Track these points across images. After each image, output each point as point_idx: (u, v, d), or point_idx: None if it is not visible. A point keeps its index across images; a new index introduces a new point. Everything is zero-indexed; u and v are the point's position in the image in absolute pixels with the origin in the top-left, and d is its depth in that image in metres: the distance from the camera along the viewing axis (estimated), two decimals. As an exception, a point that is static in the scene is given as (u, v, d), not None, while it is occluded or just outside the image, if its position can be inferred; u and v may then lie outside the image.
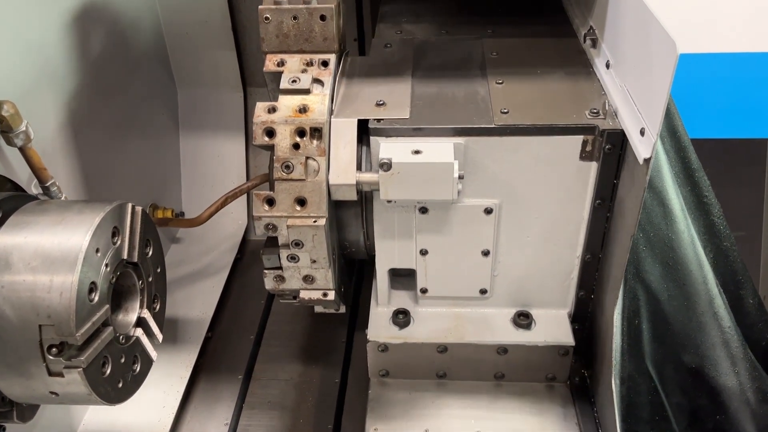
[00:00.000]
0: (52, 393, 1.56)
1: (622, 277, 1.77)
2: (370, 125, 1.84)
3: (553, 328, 2.11)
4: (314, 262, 1.88)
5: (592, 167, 1.85)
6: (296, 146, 1.81)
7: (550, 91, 1.93)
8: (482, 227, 1.97)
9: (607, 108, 1.83)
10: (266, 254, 1.91)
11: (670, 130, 2.08)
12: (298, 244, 1.83)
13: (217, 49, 3.03)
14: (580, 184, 1.89)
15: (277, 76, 1.95)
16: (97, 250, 1.54)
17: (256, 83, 3.16)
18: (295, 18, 1.94)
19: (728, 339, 1.93)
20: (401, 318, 2.13)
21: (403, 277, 2.20)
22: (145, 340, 1.77)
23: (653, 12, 1.52)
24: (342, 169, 1.82)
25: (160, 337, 1.84)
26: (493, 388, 2.17)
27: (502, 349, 2.09)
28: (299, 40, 1.97)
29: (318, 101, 1.85)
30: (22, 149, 1.80)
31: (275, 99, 1.89)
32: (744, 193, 3.29)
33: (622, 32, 1.79)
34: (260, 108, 1.85)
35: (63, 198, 1.92)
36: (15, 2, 1.86)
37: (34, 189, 1.89)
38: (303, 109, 1.82)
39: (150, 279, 1.81)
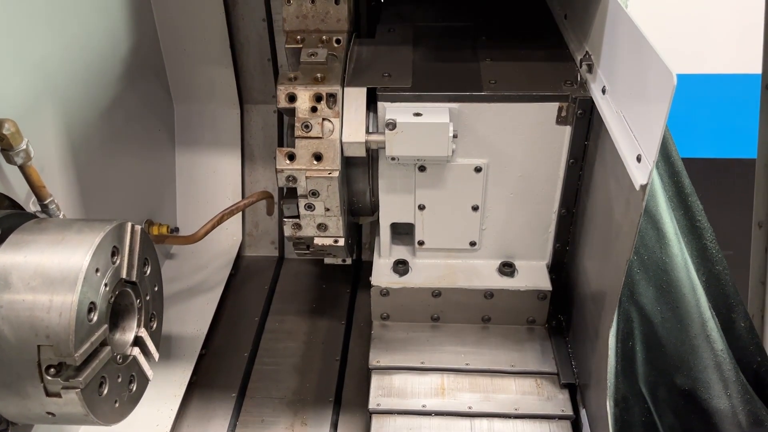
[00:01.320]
0: (48, 413, 1.55)
1: (617, 299, 1.83)
2: (378, 92, 2.11)
3: (533, 275, 2.40)
4: (328, 210, 2.14)
5: (567, 131, 2.12)
6: (314, 109, 2.07)
7: (532, 68, 2.22)
8: (472, 184, 2.24)
9: (579, 80, 2.11)
10: (286, 204, 2.18)
11: (664, 155, 2.12)
12: (314, 193, 2.09)
13: (215, 65, 3.03)
14: (556, 146, 2.16)
15: (297, 51, 2.26)
16: (97, 270, 1.53)
17: (252, 100, 3.16)
18: (312, 2, 2.27)
19: (720, 362, 1.94)
20: (401, 267, 2.41)
21: (401, 235, 2.48)
22: (142, 359, 1.76)
23: (649, 41, 1.56)
24: (353, 129, 2.08)
25: (156, 355, 1.83)
26: (480, 330, 2.44)
27: (489, 294, 2.37)
28: (316, 20, 2.29)
29: (333, 72, 2.13)
30: (21, 167, 1.79)
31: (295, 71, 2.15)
32: (732, 212, 3.33)
33: (618, 59, 1.86)
34: (283, 76, 2.11)
35: (61, 216, 1.91)
36: (16, 20, 1.87)
37: (32, 207, 1.89)
38: (320, 78, 2.09)
39: (148, 298, 1.81)
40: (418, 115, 2.04)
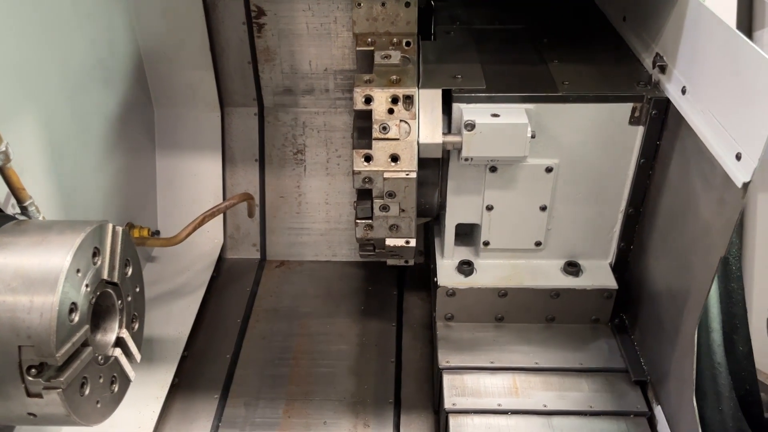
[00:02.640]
0: (30, 414, 1.53)
1: (704, 296, 1.82)
2: (454, 93, 2.09)
3: (599, 274, 2.37)
4: (403, 211, 2.13)
5: (639, 131, 2.12)
6: (390, 111, 2.06)
7: (600, 69, 2.22)
8: (542, 184, 2.23)
9: (651, 80, 2.10)
10: (360, 205, 2.15)
11: None
12: (391, 194, 2.08)
13: (195, 69, 3.00)
14: (627, 146, 2.15)
15: (368, 53, 2.27)
16: (78, 271, 1.52)
17: (233, 103, 3.14)
18: (383, 4, 2.31)
19: (716, 374, 1.94)
20: (466, 267, 2.38)
21: (461, 236, 2.45)
22: (123, 360, 1.75)
23: (749, 42, 1.57)
24: (430, 130, 2.08)
25: (138, 356, 1.82)
26: (544, 329, 2.42)
27: (555, 294, 2.34)
28: (386, 23, 2.33)
29: (407, 74, 2.15)
30: (1, 169, 1.78)
31: (363, 73, 2.17)
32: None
33: (702, 59, 1.85)
34: (359, 79, 2.11)
35: (41, 218, 1.91)
36: (-6, 23, 1.86)
37: (11, 209, 1.88)
38: (396, 80, 2.11)
39: (129, 299, 1.79)
40: (495, 116, 2.04)
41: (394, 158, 2.06)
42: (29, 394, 1.47)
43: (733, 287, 2.09)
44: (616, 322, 2.42)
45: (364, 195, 2.15)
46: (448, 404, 2.17)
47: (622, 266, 2.41)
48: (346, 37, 2.93)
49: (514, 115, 2.05)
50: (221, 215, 3.01)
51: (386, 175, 2.05)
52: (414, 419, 2.46)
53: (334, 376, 2.62)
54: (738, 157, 1.62)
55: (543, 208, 2.28)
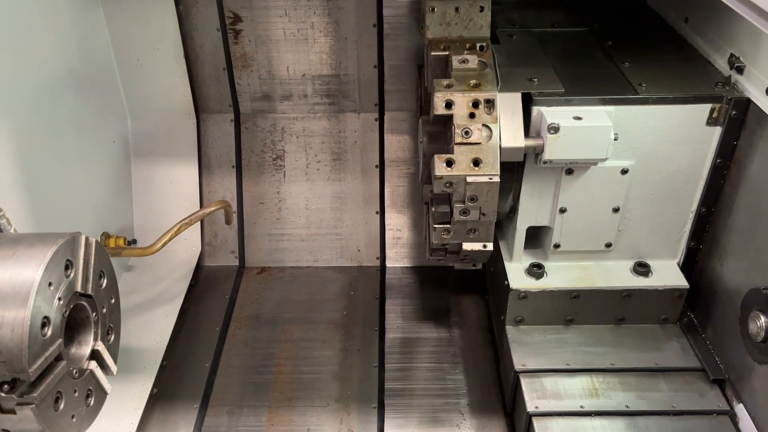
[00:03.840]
0: (3, 430, 1.51)
1: None
2: (534, 96, 2.09)
3: (668, 274, 2.36)
4: (483, 215, 2.12)
5: (716, 131, 2.13)
6: (471, 115, 2.05)
7: (674, 70, 2.22)
8: (617, 186, 2.22)
9: (731, 81, 2.11)
10: (438, 210, 2.15)
11: None
12: (473, 198, 2.07)
13: (169, 76, 2.97)
14: (703, 146, 2.16)
15: (441, 59, 2.26)
16: (50, 284, 1.50)
17: (208, 110, 3.11)
18: (457, 9, 2.29)
19: None
20: (536, 270, 2.38)
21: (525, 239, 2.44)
22: (99, 373, 1.72)
23: None
24: (512, 134, 2.08)
25: (114, 369, 1.79)
26: (615, 329, 2.41)
27: (627, 294, 2.33)
28: (459, 27, 2.31)
29: (486, 78, 2.13)
30: (-31, 181, 1.75)
31: (434, 79, 2.15)
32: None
33: None
34: (438, 84, 2.09)
35: (12, 230, 1.87)
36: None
37: (-18, 222, 1.85)
38: (476, 85, 2.10)
39: (104, 310, 1.77)
40: (578, 118, 2.04)
41: (476, 162, 2.06)
42: (2, 410, 1.45)
43: None
44: (685, 321, 2.42)
45: (441, 199, 2.15)
46: (530, 407, 2.16)
47: (690, 265, 2.42)
48: (324, 42, 2.92)
49: (597, 117, 2.07)
50: (199, 223, 2.98)
51: (469, 179, 2.05)
52: (483, 424, 2.46)
53: (318, 382, 2.60)
54: None
55: (616, 210, 2.29)
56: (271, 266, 3.17)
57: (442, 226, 2.17)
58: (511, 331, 2.42)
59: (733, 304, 2.19)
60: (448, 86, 2.11)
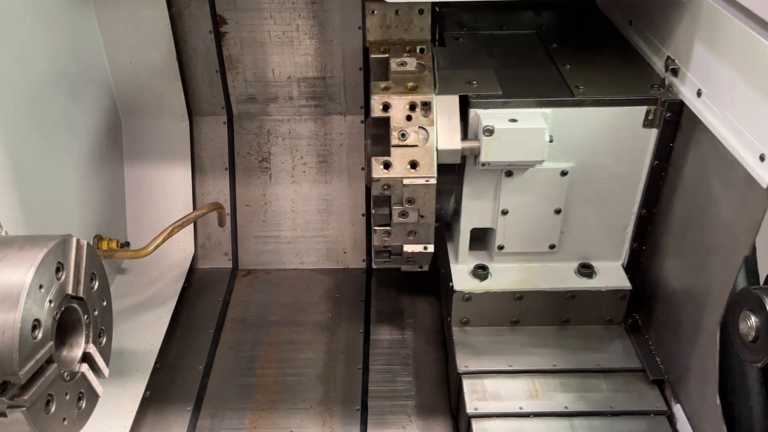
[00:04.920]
0: (-7, 434, 1.51)
1: (726, 295, 1.83)
2: (471, 99, 2.11)
3: (612, 276, 2.39)
4: (422, 217, 2.14)
5: (652, 133, 2.15)
6: (408, 118, 2.07)
7: (612, 73, 2.24)
8: (557, 188, 2.25)
9: (665, 83, 2.12)
10: (378, 212, 2.15)
11: None
12: (410, 201, 2.09)
13: (162, 78, 2.97)
14: (640, 148, 2.18)
15: (382, 61, 2.26)
16: (41, 287, 1.49)
17: (201, 112, 3.12)
18: (397, 12, 2.30)
19: (746, 371, 1.98)
20: (481, 272, 2.39)
21: (472, 240, 2.45)
22: (90, 375, 1.72)
23: (766, 42, 1.59)
24: (449, 136, 2.09)
25: (106, 371, 1.79)
26: (560, 331, 2.43)
27: (570, 295, 2.35)
28: (400, 30, 2.33)
29: (424, 80, 2.15)
30: (-40, 184, 1.75)
31: (378, 80, 2.18)
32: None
33: (719, 62, 1.86)
34: (376, 86, 2.11)
35: (3, 232, 1.87)
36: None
37: (-28, 225, 1.84)
38: (414, 87, 2.12)
39: (96, 313, 1.76)
40: (513, 121, 2.06)
41: (413, 165, 2.07)
42: (-8, 414, 1.44)
43: (751, 282, 2.13)
44: (629, 322, 2.45)
45: (381, 202, 2.15)
46: (470, 409, 2.18)
47: (634, 267, 2.43)
48: (309, 44, 2.93)
49: (532, 119, 2.08)
50: (192, 225, 2.98)
51: (406, 181, 2.07)
52: (428, 425, 2.47)
53: (302, 385, 2.60)
54: (762, 158, 1.64)
55: (557, 211, 2.30)
56: (258, 269, 3.16)
57: (382, 228, 2.18)
58: (456, 332, 2.44)
59: (672, 304, 2.23)
60: (386, 89, 2.12)
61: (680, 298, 2.16)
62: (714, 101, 1.89)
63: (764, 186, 1.61)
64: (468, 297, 2.37)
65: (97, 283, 1.74)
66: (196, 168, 3.09)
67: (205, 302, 2.98)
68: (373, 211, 2.18)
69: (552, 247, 2.39)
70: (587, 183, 2.25)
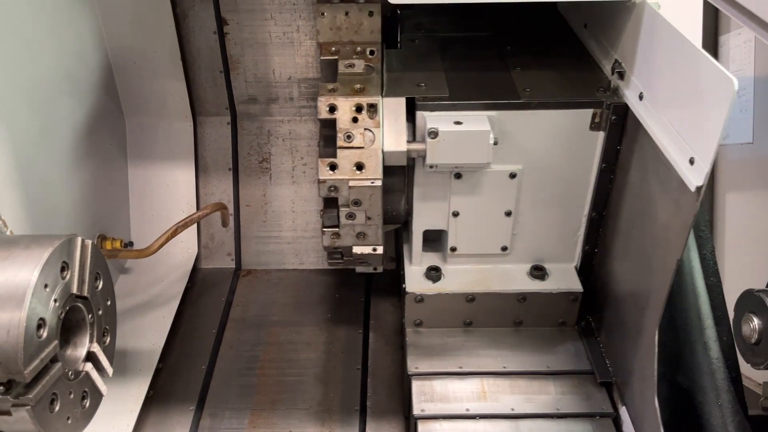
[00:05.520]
0: (-1, 432, 1.52)
1: (663, 298, 1.85)
2: (417, 101, 2.12)
3: (564, 278, 2.40)
4: (369, 219, 2.15)
5: (599, 136, 2.16)
6: (355, 120, 2.08)
7: (562, 75, 2.25)
8: (507, 190, 2.26)
9: (611, 87, 2.14)
10: (326, 214, 2.16)
11: None
12: (357, 202, 2.11)
13: (166, 78, 2.99)
14: (588, 151, 2.19)
15: (332, 62, 2.29)
16: (46, 286, 1.51)
17: (205, 112, 3.13)
18: (346, 14, 2.31)
19: (714, 370, 1.99)
20: (434, 273, 2.40)
21: (429, 242, 2.46)
22: (95, 374, 1.73)
23: (700, 49, 1.62)
24: (395, 138, 2.10)
25: (110, 371, 1.80)
26: (513, 333, 2.44)
27: (522, 297, 2.37)
28: (350, 32, 2.33)
29: (371, 82, 2.17)
30: (-34, 184, 1.76)
31: (328, 82, 2.19)
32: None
33: (658, 66, 1.88)
34: (323, 88, 2.12)
35: (8, 232, 1.88)
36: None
37: (-22, 224, 1.86)
38: (361, 89, 2.13)
39: (100, 312, 1.78)
40: (458, 123, 2.07)
41: (359, 166, 2.08)
42: (-3, 412, 1.45)
43: (712, 281, 2.15)
44: (582, 324, 2.46)
45: (330, 203, 2.16)
46: (416, 410, 2.19)
47: (587, 269, 2.45)
48: (309, 45, 2.96)
49: (477, 122, 2.08)
50: (195, 225, 2.99)
51: (351, 183, 2.07)
52: (381, 426, 2.47)
53: (301, 385, 2.63)
54: (691, 161, 1.67)
55: (508, 214, 2.31)
56: (258, 269, 3.18)
57: (330, 229, 2.21)
58: (409, 334, 2.45)
59: (620, 307, 2.26)
60: (332, 90, 2.14)
61: (625, 301, 2.20)
62: (653, 105, 1.93)
63: (692, 189, 1.65)
64: (420, 298, 2.39)
65: (101, 283, 1.76)
66: (200, 168, 3.11)
67: (208, 302, 3.00)
68: (321, 213, 2.21)
69: (504, 249, 2.41)
70: (537, 185, 2.27)
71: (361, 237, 2.22)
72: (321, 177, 2.08)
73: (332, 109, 2.10)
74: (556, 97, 2.13)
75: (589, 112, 2.12)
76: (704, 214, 2.24)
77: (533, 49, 2.46)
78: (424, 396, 2.24)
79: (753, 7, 1.75)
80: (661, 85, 1.88)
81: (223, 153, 3.14)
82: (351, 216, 2.15)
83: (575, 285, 2.39)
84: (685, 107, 1.73)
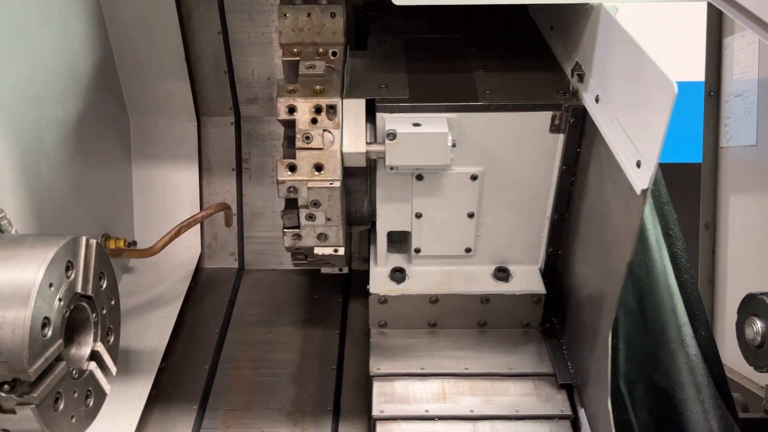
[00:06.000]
0: (3, 430, 1.53)
1: (616, 300, 1.87)
2: (377, 103, 2.14)
3: (528, 280, 2.43)
4: (329, 220, 2.17)
5: (560, 138, 2.18)
6: (314, 121, 2.10)
7: (524, 78, 2.28)
8: (468, 192, 2.27)
9: (570, 89, 2.16)
10: (286, 215, 2.19)
11: None
12: (316, 203, 2.12)
13: (170, 78, 3.01)
14: (549, 153, 2.21)
15: (294, 63, 2.30)
16: (51, 285, 1.52)
17: (209, 112, 3.15)
18: (309, 15, 2.31)
19: (694, 366, 2.01)
20: (398, 274, 2.43)
21: (395, 243, 2.50)
22: (98, 374, 1.75)
23: (648, 53, 1.63)
24: (354, 140, 2.12)
25: (114, 370, 1.82)
26: (477, 334, 2.46)
27: (485, 299, 2.40)
28: (312, 33, 2.33)
29: (332, 84, 2.18)
30: (-29, 183, 1.77)
31: (290, 83, 2.20)
32: (680, 215, 3.43)
33: (612, 69, 1.91)
34: (282, 88, 2.15)
35: (13, 231, 1.89)
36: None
37: (-17, 223, 1.86)
38: (319, 90, 2.13)
39: (104, 311, 1.80)
40: (417, 125, 2.08)
41: (318, 168, 2.11)
42: (2, 410, 1.49)
43: (685, 278, 2.18)
44: (547, 326, 2.48)
45: (291, 204, 2.19)
46: (376, 411, 2.22)
47: (551, 271, 2.48)
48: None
49: (435, 124, 2.09)
50: (198, 225, 3.00)
51: (310, 184, 2.09)
52: (353, 426, 2.49)
53: (275, 385, 2.64)
54: (638, 164, 1.70)
55: (471, 215, 2.33)
56: (251, 269, 3.22)
57: (291, 230, 2.23)
58: (374, 335, 2.47)
59: (579, 309, 2.28)
60: (292, 91, 2.15)
61: (584, 303, 2.23)
62: (607, 107, 1.95)
63: (638, 192, 1.67)
64: (384, 299, 2.41)
65: (105, 282, 1.78)
66: (204, 168, 3.14)
67: (211, 302, 3.02)
68: (282, 214, 2.23)
69: (468, 250, 2.43)
70: (499, 187, 2.30)
71: (323, 238, 2.24)
72: (280, 178, 2.10)
73: (291, 110, 2.12)
74: (515, 99, 2.15)
75: (549, 114, 2.14)
76: (672, 213, 2.26)
77: (499, 51, 2.49)
78: (385, 397, 2.26)
79: (756, 10, 1.74)
80: (614, 88, 1.91)
81: (226, 153, 3.16)
82: (311, 217, 2.17)
83: (538, 287, 2.42)
84: (633, 110, 1.77)
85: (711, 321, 3.14)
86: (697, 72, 3.18)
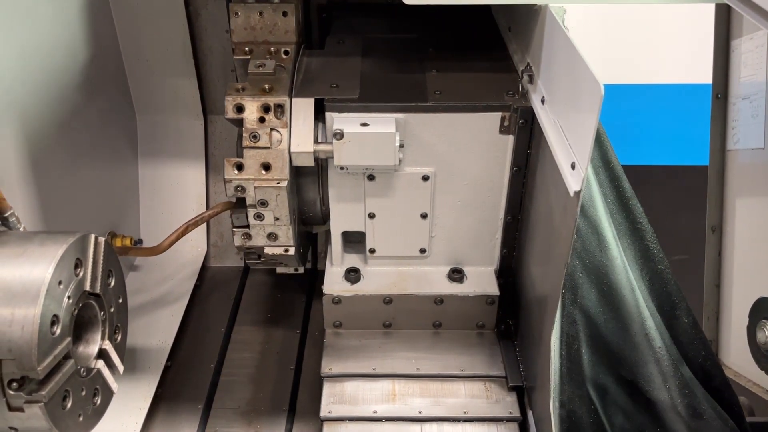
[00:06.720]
0: (11, 428, 1.54)
1: (557, 301, 1.91)
2: (326, 102, 2.17)
3: (482, 281, 2.48)
4: (277, 219, 2.18)
5: (510, 140, 2.21)
6: (262, 120, 2.12)
7: (475, 79, 2.31)
8: (420, 192, 2.30)
9: (521, 90, 2.19)
10: (236, 214, 2.21)
11: (604, 161, 2.19)
12: (263, 203, 2.13)
13: (178, 76, 3.03)
14: (500, 154, 2.24)
15: (245, 62, 2.31)
16: (60, 283, 1.53)
17: (216, 111, 3.17)
18: (260, 13, 2.32)
19: (659, 357, 2.04)
20: (352, 275, 2.47)
21: (354, 243, 2.53)
22: (106, 372, 1.76)
23: (581, 53, 1.68)
24: (301, 139, 2.14)
25: (121, 368, 1.82)
26: (432, 335, 2.51)
27: (439, 300, 2.44)
28: (264, 32, 2.34)
29: (280, 83, 2.19)
30: (-21, 180, 1.77)
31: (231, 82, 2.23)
32: (687, 217, 3.41)
33: (555, 71, 1.95)
34: (231, 87, 2.17)
35: (22, 228, 1.88)
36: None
37: (-9, 220, 1.86)
38: (268, 89, 2.15)
39: (112, 310, 1.80)
40: (365, 125, 2.11)
41: (266, 167, 2.13)
42: (10, 408, 1.48)
43: (660, 269, 2.21)
44: (502, 328, 2.54)
45: (240, 203, 2.22)
46: (324, 412, 2.27)
47: (506, 272, 2.54)
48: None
49: (383, 124, 2.13)
50: (205, 224, 2.99)
51: (257, 183, 2.11)
52: (306, 426, 2.54)
53: (232, 384, 2.70)
54: (573, 166, 1.74)
55: (424, 216, 2.37)
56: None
57: (241, 230, 2.25)
58: (328, 335, 2.52)
59: (528, 311, 2.34)
60: (240, 90, 2.17)
61: (532, 304, 2.28)
62: (551, 109, 2.00)
63: (571, 194, 1.70)
64: (338, 300, 2.45)
65: (113, 280, 1.79)
66: (210, 167, 3.14)
67: (216, 301, 3.04)
68: (231, 212, 2.26)
69: (423, 251, 2.48)
70: (451, 188, 2.34)
71: (272, 237, 2.26)
72: (227, 177, 2.13)
73: (239, 108, 2.15)
74: (464, 100, 2.19)
75: (498, 115, 2.18)
76: (638, 206, 2.25)
77: (455, 52, 2.54)
78: (334, 398, 2.30)
79: None
80: (556, 90, 1.96)
81: (233, 152, 3.13)
82: (259, 216, 2.19)
83: (492, 288, 2.46)
84: (569, 112, 1.82)
85: (717, 325, 3.13)
86: (704, 74, 3.16)
